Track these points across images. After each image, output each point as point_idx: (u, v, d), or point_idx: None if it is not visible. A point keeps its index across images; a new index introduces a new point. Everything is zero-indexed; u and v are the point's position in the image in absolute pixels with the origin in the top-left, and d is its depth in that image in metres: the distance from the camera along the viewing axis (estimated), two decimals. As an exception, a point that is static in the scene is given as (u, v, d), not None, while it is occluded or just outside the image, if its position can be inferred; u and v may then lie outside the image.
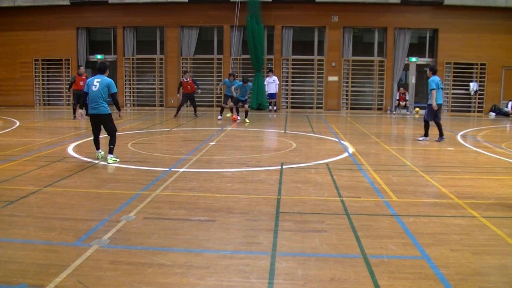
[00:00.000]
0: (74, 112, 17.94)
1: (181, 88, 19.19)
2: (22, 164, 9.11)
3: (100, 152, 9.69)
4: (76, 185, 7.56)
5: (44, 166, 8.93)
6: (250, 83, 19.36)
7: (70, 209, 6.19)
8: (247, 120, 18.16)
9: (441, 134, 13.09)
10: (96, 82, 9.29)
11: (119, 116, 9.89)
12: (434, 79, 13.02)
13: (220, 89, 20.27)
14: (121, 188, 7.36)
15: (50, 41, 24.89)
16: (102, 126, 9.57)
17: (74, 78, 18.47)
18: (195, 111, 19.94)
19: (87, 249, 4.72)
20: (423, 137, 13.27)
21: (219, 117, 18.83)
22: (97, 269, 4.27)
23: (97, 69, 9.63)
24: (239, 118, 18.25)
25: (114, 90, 9.42)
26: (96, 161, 9.43)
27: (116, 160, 9.41)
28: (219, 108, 19.68)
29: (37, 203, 6.45)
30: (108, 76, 9.57)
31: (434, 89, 12.89)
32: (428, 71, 13.36)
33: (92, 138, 9.94)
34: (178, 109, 19.33)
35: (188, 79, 19.16)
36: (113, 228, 5.36)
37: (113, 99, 9.52)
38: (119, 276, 4.15)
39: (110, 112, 9.51)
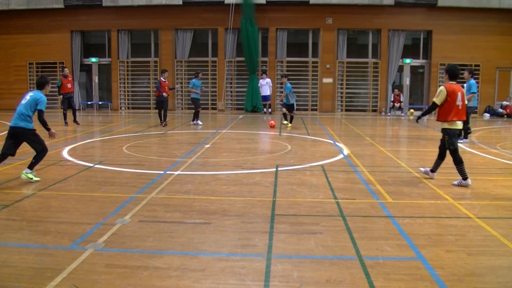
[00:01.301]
0: (65, 118, 17.10)
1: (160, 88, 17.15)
2: (17, 168, 9.06)
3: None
4: (71, 188, 7.54)
5: (38, 169, 8.87)
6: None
7: (65, 213, 6.17)
8: (200, 123, 17.68)
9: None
10: (28, 96, 8.19)
11: (50, 137, 8.45)
12: (474, 83, 13.25)
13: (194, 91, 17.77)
14: (116, 191, 7.34)
15: (44, 44, 24.83)
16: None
17: (60, 82, 17.27)
18: (165, 118, 17.27)
19: (82, 252, 4.70)
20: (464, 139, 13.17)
21: (198, 122, 17.65)
22: (92, 273, 4.26)
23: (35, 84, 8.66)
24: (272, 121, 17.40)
25: (40, 107, 8.09)
26: (91, 165, 9.41)
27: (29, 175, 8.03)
28: (215, 111, 19.50)
29: (32, 207, 6.43)
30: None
31: (475, 92, 13.11)
32: (466, 74, 13.34)
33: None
34: (160, 116, 17.37)
35: (166, 80, 17.50)
36: (108, 231, 5.34)
37: (38, 117, 8.16)
38: (114, 280, 4.14)
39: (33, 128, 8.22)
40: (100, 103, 25.72)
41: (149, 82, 25.26)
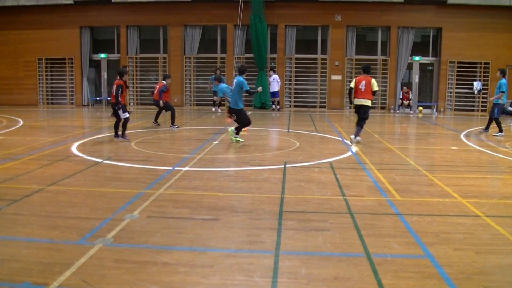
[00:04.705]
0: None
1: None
2: (26, 163, 9.13)
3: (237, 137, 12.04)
4: (80, 183, 7.58)
5: (47, 165, 8.96)
6: None
7: (73, 208, 6.21)
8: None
9: (500, 130, 14.42)
10: (234, 83, 11.83)
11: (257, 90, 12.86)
12: (505, 82, 14.35)
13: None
14: (124, 186, 7.37)
15: (53, 40, 24.92)
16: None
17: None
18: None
19: (91, 247, 4.73)
20: (499, 133, 14.30)
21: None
22: (101, 268, 4.28)
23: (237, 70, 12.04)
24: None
25: (246, 88, 11.66)
26: (100, 160, 9.45)
27: (236, 139, 11.83)
28: (224, 107, 19.25)
29: (40, 202, 6.47)
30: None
31: (504, 92, 14.26)
32: (498, 74, 14.80)
33: None
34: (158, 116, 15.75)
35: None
36: (117, 226, 5.37)
37: (248, 93, 12.06)
38: (123, 275, 4.16)
39: (241, 107, 11.89)
40: (109, 99, 25.69)
41: (157, 78, 25.27)
